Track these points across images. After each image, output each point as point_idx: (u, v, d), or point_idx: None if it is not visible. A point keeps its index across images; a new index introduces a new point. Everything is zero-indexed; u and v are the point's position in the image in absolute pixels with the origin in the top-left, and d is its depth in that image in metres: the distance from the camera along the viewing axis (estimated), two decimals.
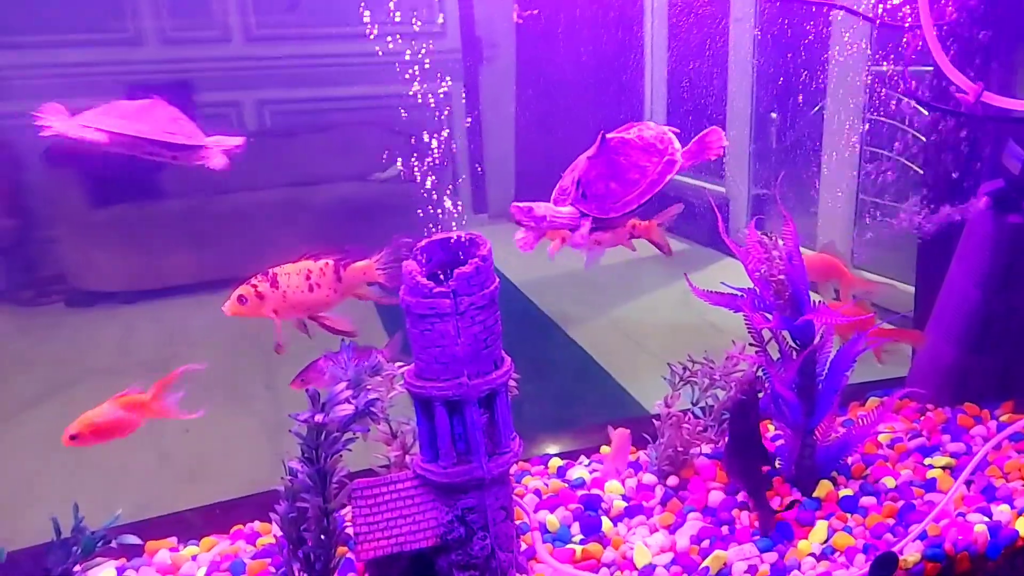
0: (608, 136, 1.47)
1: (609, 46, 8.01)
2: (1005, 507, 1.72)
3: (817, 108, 5.83)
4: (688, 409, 1.92)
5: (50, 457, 2.95)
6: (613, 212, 1.45)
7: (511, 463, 1.50)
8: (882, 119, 4.56)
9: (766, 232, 1.74)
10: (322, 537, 1.49)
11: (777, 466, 1.87)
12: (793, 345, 1.75)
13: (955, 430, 2.03)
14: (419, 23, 2.16)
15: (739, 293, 1.73)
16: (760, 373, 1.79)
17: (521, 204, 1.44)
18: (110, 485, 2.68)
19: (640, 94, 7.62)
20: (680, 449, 1.87)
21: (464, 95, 8.23)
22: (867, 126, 4.71)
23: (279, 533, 1.53)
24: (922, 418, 2.10)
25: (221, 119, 7.45)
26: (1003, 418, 2.05)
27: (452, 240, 1.44)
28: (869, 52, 4.54)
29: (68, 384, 3.74)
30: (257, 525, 1.87)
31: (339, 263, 1.81)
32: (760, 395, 1.71)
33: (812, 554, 1.64)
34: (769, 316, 1.68)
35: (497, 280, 1.44)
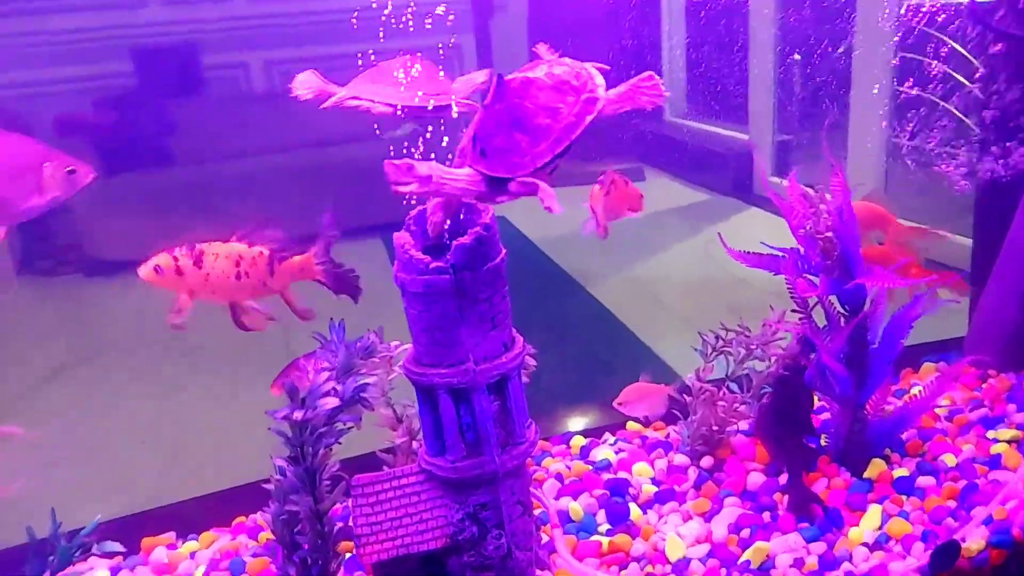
0: (507, 77, 1.19)
1: None
2: None
3: (842, 48, 5.51)
4: (722, 380, 1.73)
5: (70, 431, 2.93)
6: (521, 169, 1.16)
7: (527, 454, 1.34)
8: (915, 57, 4.27)
9: (809, 184, 1.54)
10: (318, 541, 1.34)
11: (823, 443, 1.69)
12: (841, 310, 1.55)
13: (1021, 398, 1.83)
14: None
15: (780, 253, 1.54)
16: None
17: (397, 160, 1.12)
18: (124, 467, 2.59)
19: (657, 34, 7.32)
20: (715, 427, 1.70)
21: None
22: (896, 62, 4.42)
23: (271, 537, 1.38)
24: (984, 386, 1.91)
25: (229, 82, 7.33)
26: None
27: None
28: None
29: (90, 355, 3.71)
30: (259, 517, 1.73)
31: (274, 255, 1.57)
32: (805, 367, 1.52)
33: (865, 543, 1.47)
34: (815, 280, 1.48)
35: (504, 251, 1.26)
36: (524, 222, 5.48)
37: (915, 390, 1.71)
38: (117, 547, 1.38)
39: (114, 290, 4.92)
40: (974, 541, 1.43)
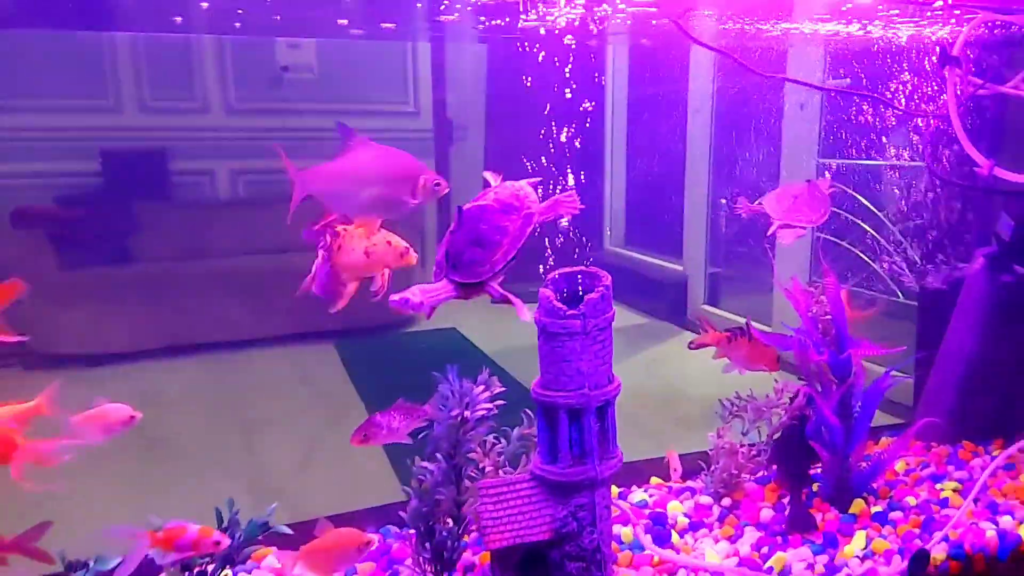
0: (466, 207, 1.67)
1: (573, 133, 8.56)
2: (1008, 518, 2.08)
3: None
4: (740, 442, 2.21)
5: None
6: (483, 276, 1.61)
7: (617, 468, 1.76)
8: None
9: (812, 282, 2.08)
10: (455, 527, 1.71)
11: (815, 489, 2.17)
12: (832, 378, 2.07)
13: (958, 462, 2.40)
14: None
15: (791, 333, 2.06)
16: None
17: (397, 296, 1.56)
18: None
19: (601, 178, 8.19)
20: (734, 472, 2.16)
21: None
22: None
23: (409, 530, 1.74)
24: (929, 453, 2.46)
25: (196, 187, 7.65)
26: (995, 453, 2.40)
27: (576, 273, 1.73)
28: (818, 144, 5.13)
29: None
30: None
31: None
32: (808, 416, 2.02)
33: (857, 556, 1.93)
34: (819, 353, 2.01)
35: (614, 310, 1.72)
36: (474, 334, 5.97)
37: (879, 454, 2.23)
38: (287, 530, 1.69)
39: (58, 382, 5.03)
40: (938, 554, 1.91)
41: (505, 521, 1.72)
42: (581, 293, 1.73)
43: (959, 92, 1.87)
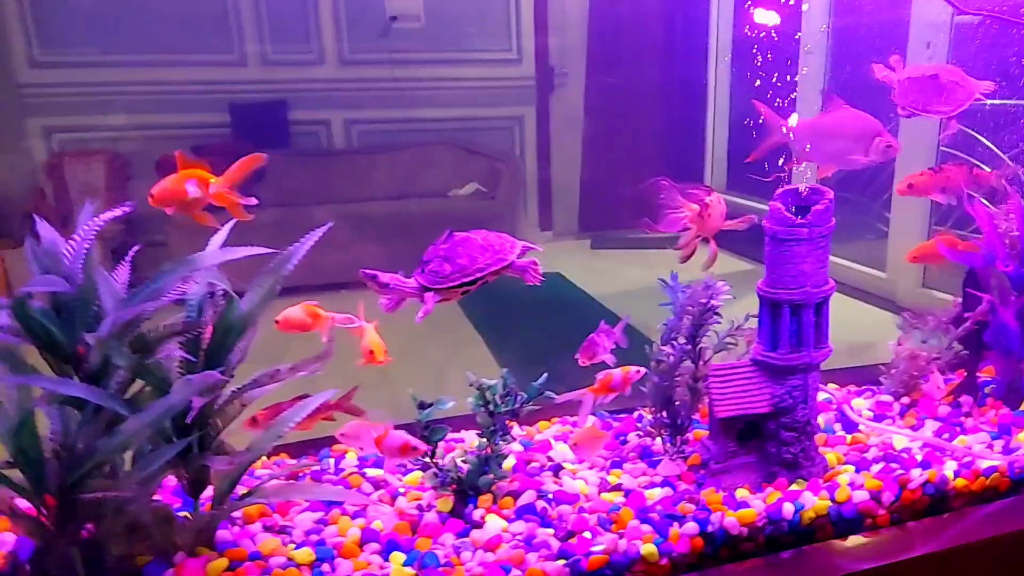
0: (456, 233, 1.99)
1: (674, 76, 8.71)
2: None
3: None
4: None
5: None
6: (440, 285, 1.91)
7: (828, 356, 2.08)
8: (951, 151, 5.25)
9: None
10: (690, 398, 2.10)
11: (988, 391, 2.46)
12: (1011, 289, 2.34)
13: None
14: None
15: (978, 249, 2.35)
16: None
17: (368, 271, 1.89)
18: None
19: (703, 121, 8.33)
20: (915, 374, 2.46)
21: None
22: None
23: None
24: None
25: (311, 136, 8.13)
26: None
27: (800, 190, 2.04)
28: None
29: None
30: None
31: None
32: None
33: None
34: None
35: (834, 220, 2.02)
36: (578, 278, 6.36)
37: None
38: (553, 395, 2.07)
39: None
40: None
41: (730, 396, 2.08)
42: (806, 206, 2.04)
43: None
